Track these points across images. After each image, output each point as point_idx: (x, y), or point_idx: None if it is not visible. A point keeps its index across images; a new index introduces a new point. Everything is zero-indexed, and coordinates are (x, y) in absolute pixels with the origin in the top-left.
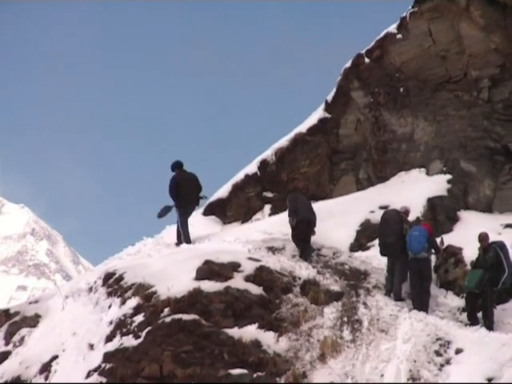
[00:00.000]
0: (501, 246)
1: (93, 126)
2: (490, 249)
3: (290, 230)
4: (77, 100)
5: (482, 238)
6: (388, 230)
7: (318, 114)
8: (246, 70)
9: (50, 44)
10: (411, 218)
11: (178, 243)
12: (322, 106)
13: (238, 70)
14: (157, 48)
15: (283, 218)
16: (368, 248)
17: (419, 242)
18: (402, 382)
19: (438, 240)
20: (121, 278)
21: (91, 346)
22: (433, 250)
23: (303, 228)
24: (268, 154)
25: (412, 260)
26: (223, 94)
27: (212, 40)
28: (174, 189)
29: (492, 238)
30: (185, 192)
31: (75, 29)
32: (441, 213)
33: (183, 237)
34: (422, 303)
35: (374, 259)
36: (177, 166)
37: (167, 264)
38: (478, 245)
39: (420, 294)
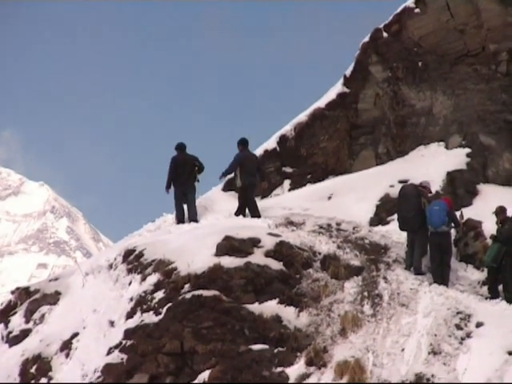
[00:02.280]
0: None
1: (111, 104)
2: (506, 222)
3: (309, 205)
4: (96, 79)
5: (498, 211)
6: (406, 205)
7: (337, 88)
8: (266, 44)
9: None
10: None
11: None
12: (341, 80)
13: (258, 44)
14: (175, 20)
15: (303, 192)
16: (388, 222)
17: (439, 216)
18: (423, 355)
19: (458, 214)
20: (141, 254)
21: (112, 323)
22: (453, 224)
23: (246, 193)
24: (287, 129)
25: (432, 234)
26: (241, 69)
27: (227, 14)
28: (170, 169)
29: (511, 211)
30: (180, 172)
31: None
32: (460, 186)
33: (175, 215)
34: (442, 277)
35: (393, 233)
36: (176, 147)
37: (187, 240)
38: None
39: (440, 267)
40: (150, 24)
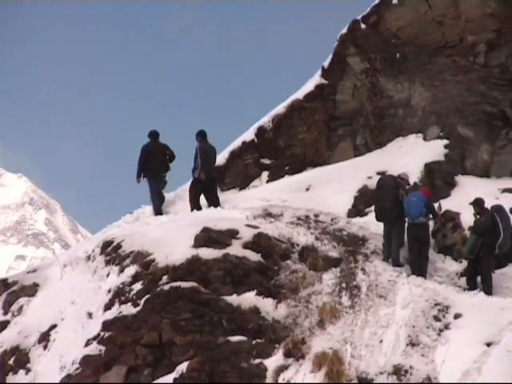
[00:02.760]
0: (498, 209)
1: (90, 95)
2: (483, 213)
3: (288, 196)
4: (75, 69)
5: (476, 202)
6: (384, 196)
7: (315, 80)
8: (242, 36)
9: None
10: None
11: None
12: (319, 72)
13: (234, 36)
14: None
15: (281, 184)
16: (366, 214)
17: (417, 207)
18: (401, 347)
19: (436, 205)
20: (119, 246)
21: (90, 315)
22: (431, 215)
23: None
24: (265, 120)
25: (410, 225)
26: (219, 62)
27: (206, 5)
28: (140, 157)
29: (490, 202)
30: (151, 161)
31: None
32: (438, 178)
33: (153, 207)
34: (420, 268)
35: (371, 225)
36: (149, 135)
37: (165, 232)
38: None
39: (418, 259)
40: (133, 22)
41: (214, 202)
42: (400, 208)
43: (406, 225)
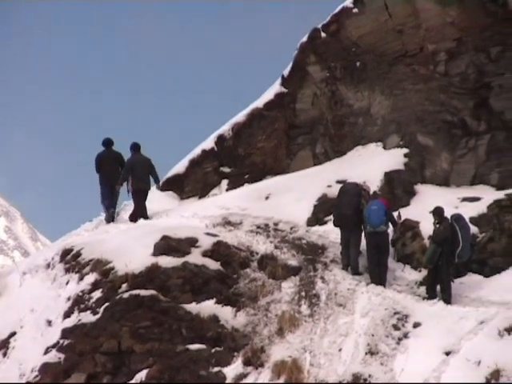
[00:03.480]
0: (457, 218)
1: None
2: (443, 222)
3: (247, 205)
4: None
5: (435, 211)
6: (346, 202)
7: (275, 88)
8: (203, 43)
9: None
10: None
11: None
12: (279, 80)
13: (195, 43)
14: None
15: (240, 192)
16: (325, 222)
17: (378, 215)
18: (360, 355)
19: (396, 214)
20: (78, 254)
21: (49, 323)
22: (390, 224)
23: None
24: (225, 129)
25: (370, 234)
26: (178, 69)
27: (162, 11)
28: (95, 165)
29: (449, 211)
30: (105, 169)
31: None
32: (398, 187)
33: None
34: (379, 277)
35: (331, 233)
36: (103, 143)
37: (125, 240)
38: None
39: (378, 267)
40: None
41: (140, 214)
42: (359, 217)
43: (367, 233)
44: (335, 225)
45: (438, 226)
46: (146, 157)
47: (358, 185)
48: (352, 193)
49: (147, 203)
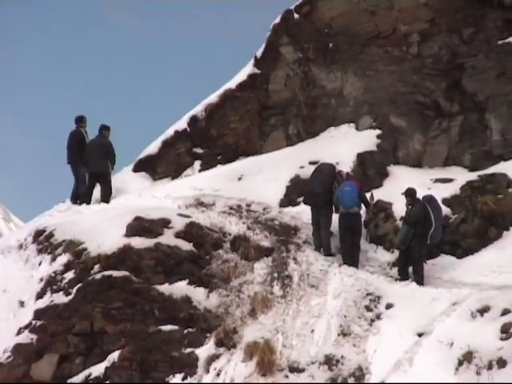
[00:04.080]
0: (429, 200)
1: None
2: (415, 204)
3: (220, 186)
4: (10, 55)
5: (407, 193)
6: (319, 181)
7: (248, 70)
8: (174, 24)
9: None
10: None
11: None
12: (252, 61)
13: (165, 24)
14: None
15: (213, 173)
16: (298, 203)
17: (351, 197)
18: (333, 336)
19: (368, 195)
20: (51, 234)
21: (22, 303)
22: (363, 205)
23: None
24: (198, 110)
25: (343, 215)
26: (151, 49)
27: None
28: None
29: (422, 192)
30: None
31: None
32: (371, 168)
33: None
34: (352, 258)
35: (303, 215)
36: (76, 120)
37: (97, 221)
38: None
39: (350, 248)
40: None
41: (103, 197)
42: (330, 197)
43: (339, 214)
44: (305, 202)
45: (410, 207)
46: (103, 140)
47: (334, 166)
48: (326, 173)
49: (120, 184)
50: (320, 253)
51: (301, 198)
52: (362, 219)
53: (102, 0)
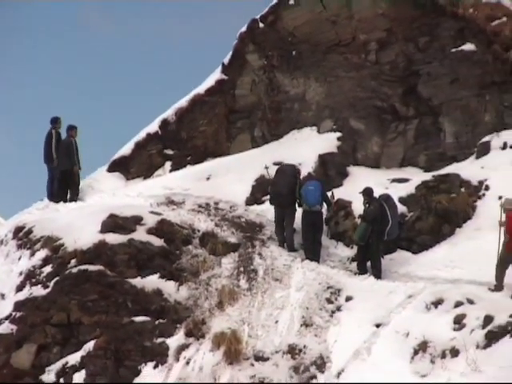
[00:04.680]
0: (386, 198)
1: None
2: (372, 202)
3: (189, 185)
4: None
5: (365, 192)
6: (282, 182)
7: (216, 75)
8: (148, 31)
9: None
10: (303, 173)
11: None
12: (219, 68)
13: (137, 30)
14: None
15: (183, 173)
16: (263, 202)
17: (315, 196)
18: (296, 327)
19: (329, 194)
20: (30, 231)
21: (2, 296)
22: (325, 204)
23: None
24: (169, 113)
25: (307, 213)
26: (122, 56)
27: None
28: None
29: (379, 191)
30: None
31: None
32: (331, 168)
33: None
34: (314, 253)
35: (268, 212)
36: (52, 121)
37: (74, 218)
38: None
39: (312, 244)
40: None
41: (71, 195)
42: (294, 196)
43: (302, 212)
44: (271, 203)
45: (367, 205)
46: (68, 139)
47: (295, 166)
48: (289, 173)
49: (95, 183)
50: (284, 248)
51: (266, 197)
52: (324, 217)
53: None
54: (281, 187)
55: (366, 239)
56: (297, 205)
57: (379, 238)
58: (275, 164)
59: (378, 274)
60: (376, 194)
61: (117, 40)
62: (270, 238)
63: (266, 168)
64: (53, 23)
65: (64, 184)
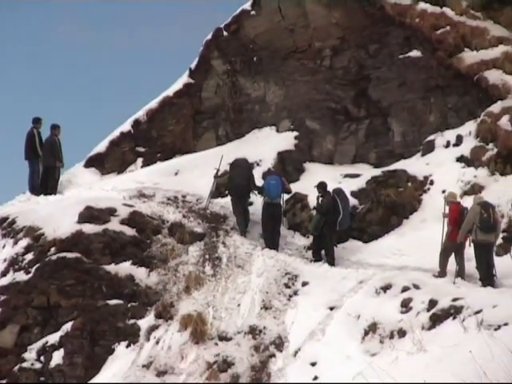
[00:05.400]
0: (338, 192)
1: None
2: (326, 195)
3: (159, 180)
4: None
5: (319, 186)
6: (241, 174)
7: (183, 79)
8: (120, 38)
9: None
10: (264, 169)
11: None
12: (187, 72)
13: (106, 38)
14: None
15: (153, 169)
16: (226, 195)
17: (277, 189)
18: (256, 310)
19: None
20: (13, 221)
21: None
22: (285, 195)
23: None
24: (140, 114)
25: (268, 204)
26: (96, 62)
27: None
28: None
29: (333, 185)
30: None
31: None
32: (289, 164)
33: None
34: (273, 243)
35: (231, 205)
36: (33, 121)
37: (53, 209)
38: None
39: (272, 234)
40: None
41: (51, 189)
42: (250, 187)
43: (264, 204)
44: (231, 194)
45: (321, 198)
46: (51, 138)
47: (247, 160)
48: (244, 166)
49: (73, 178)
50: (245, 238)
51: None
52: (282, 209)
53: None
54: (240, 179)
55: (319, 229)
56: (252, 195)
57: (332, 229)
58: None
59: (331, 262)
60: (329, 188)
61: (90, 45)
62: (232, 228)
63: (217, 170)
64: (30, 25)
65: (45, 179)
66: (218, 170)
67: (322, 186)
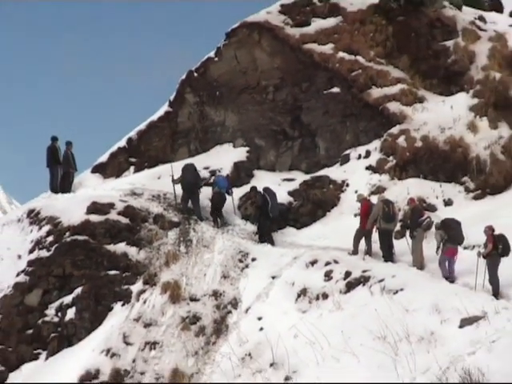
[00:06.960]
0: (265, 189)
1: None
2: (257, 194)
3: (146, 182)
4: None
5: (252, 188)
6: (190, 175)
7: (164, 108)
8: (118, 72)
9: None
10: (223, 174)
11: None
12: (167, 103)
13: (101, 72)
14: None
15: (142, 175)
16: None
17: (224, 182)
18: (218, 278)
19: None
20: (38, 212)
21: (19, 257)
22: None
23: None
24: (132, 133)
25: (217, 193)
26: (94, 89)
27: (78, 42)
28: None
29: (274, 187)
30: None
31: None
32: (242, 171)
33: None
34: (217, 222)
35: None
36: (52, 139)
37: (68, 204)
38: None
39: (217, 216)
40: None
41: (66, 189)
42: (199, 184)
43: (213, 193)
44: (184, 189)
45: (256, 196)
46: (66, 152)
47: (194, 164)
48: (192, 169)
49: (82, 181)
50: (206, 224)
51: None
52: (236, 204)
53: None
54: (190, 178)
55: (257, 219)
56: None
57: (267, 217)
58: (205, 168)
59: (272, 243)
60: (265, 188)
61: (82, 70)
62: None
63: (172, 176)
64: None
65: (62, 181)
66: (172, 176)
67: (253, 189)
